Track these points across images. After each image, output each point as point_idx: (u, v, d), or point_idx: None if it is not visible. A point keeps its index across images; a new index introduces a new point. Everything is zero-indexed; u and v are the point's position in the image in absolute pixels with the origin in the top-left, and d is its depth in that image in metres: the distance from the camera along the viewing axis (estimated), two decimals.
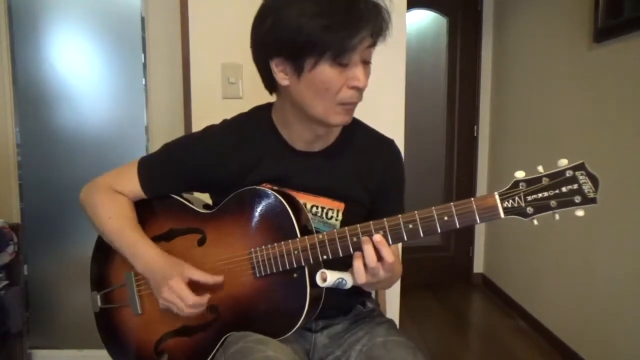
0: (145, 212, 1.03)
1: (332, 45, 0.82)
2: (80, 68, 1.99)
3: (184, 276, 0.91)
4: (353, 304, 1.09)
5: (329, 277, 0.85)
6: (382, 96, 1.66)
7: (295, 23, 0.82)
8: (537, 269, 2.53)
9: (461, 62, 3.26)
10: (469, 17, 3.24)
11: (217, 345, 0.93)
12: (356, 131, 1.03)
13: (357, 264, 0.83)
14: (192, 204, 1.02)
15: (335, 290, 0.92)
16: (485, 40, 3.24)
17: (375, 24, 0.84)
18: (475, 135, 3.33)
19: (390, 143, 1.07)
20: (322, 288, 0.91)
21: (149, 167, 1.03)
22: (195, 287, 0.91)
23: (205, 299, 0.91)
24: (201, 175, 1.00)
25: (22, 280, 1.99)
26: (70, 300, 2.08)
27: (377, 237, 0.81)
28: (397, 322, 1.18)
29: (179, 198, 1.03)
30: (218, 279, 0.92)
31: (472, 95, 3.29)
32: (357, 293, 1.09)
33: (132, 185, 1.02)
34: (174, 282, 0.89)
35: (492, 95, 3.25)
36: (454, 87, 3.29)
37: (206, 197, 1.09)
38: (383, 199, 1.04)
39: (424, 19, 3.27)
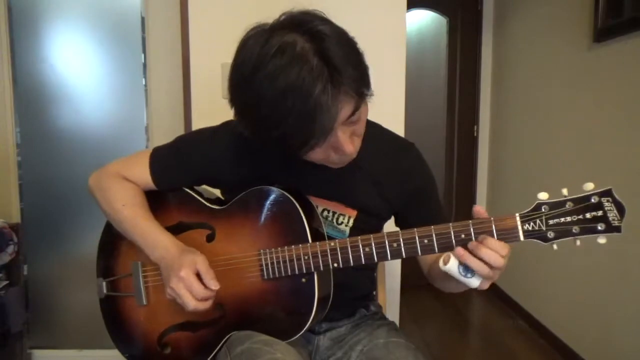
0: (155, 202, 1.00)
1: (302, 146, 0.76)
2: (80, 68, 1.99)
3: (195, 267, 0.87)
4: (357, 307, 1.08)
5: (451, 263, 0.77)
6: (382, 96, 1.64)
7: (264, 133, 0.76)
8: (537, 269, 2.53)
9: (461, 62, 3.26)
10: (469, 17, 3.24)
11: (221, 343, 0.93)
12: (375, 136, 0.97)
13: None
14: (203, 197, 1.00)
15: (340, 294, 0.91)
16: (485, 40, 3.24)
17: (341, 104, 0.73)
18: (475, 135, 3.32)
19: (409, 148, 1.01)
20: (330, 295, 0.90)
21: (161, 159, 1.00)
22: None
23: (212, 294, 0.87)
24: (213, 171, 0.98)
25: (22, 280, 1.99)
26: (70, 300, 2.08)
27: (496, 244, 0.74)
28: (397, 322, 1.18)
29: (190, 191, 1.01)
30: (216, 285, 0.87)
31: (472, 95, 3.29)
32: (362, 297, 1.10)
33: (143, 176, 0.99)
34: (184, 272, 0.86)
35: (492, 95, 3.25)
36: (454, 87, 3.29)
37: (217, 192, 1.07)
38: (411, 210, 0.99)
39: (424, 19, 3.27)
